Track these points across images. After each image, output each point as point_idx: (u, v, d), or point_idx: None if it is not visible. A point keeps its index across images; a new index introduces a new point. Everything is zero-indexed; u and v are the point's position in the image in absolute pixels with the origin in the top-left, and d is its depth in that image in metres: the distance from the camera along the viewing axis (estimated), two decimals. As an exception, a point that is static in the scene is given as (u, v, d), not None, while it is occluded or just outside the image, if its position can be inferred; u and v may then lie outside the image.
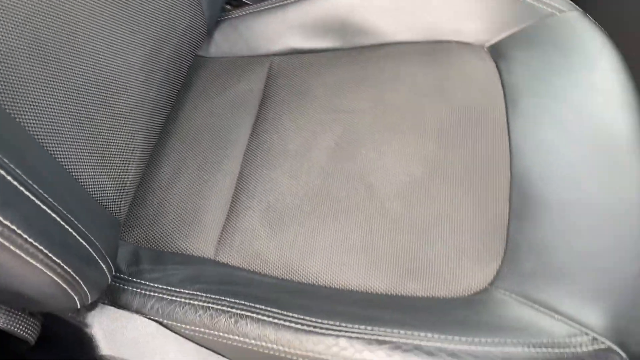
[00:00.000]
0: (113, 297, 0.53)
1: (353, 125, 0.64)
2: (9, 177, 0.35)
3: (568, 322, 0.46)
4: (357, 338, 0.45)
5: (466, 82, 0.65)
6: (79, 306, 0.45)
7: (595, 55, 0.63)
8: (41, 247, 0.35)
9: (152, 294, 0.52)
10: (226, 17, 0.77)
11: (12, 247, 0.34)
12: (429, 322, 0.46)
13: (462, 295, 0.51)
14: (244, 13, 0.76)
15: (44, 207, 0.37)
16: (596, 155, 0.56)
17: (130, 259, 0.57)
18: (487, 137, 0.60)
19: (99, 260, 0.44)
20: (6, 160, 0.36)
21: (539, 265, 0.51)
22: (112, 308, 0.52)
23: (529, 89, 0.63)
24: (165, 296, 0.52)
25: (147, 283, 0.53)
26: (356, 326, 0.46)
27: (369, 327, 0.45)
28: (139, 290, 0.53)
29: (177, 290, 0.52)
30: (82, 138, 0.48)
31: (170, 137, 0.68)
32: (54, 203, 0.38)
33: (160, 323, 0.52)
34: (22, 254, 0.35)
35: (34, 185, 0.37)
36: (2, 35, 0.41)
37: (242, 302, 0.49)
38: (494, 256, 0.53)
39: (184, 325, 0.50)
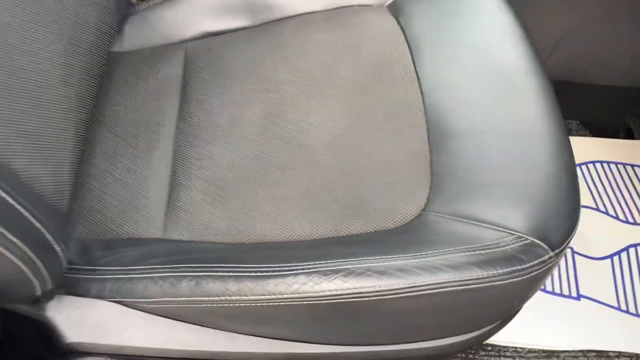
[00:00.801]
0: (69, 287, 0.53)
1: (276, 93, 0.67)
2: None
3: (495, 228, 0.52)
4: (314, 272, 0.48)
5: (372, 39, 0.70)
6: (39, 292, 0.45)
7: (482, 0, 0.70)
8: None
9: (108, 276, 0.53)
10: (135, 11, 0.77)
11: None
12: (376, 248, 0.50)
13: (401, 224, 0.56)
14: (152, 4, 0.77)
15: None
16: (495, 85, 0.62)
17: (80, 251, 0.57)
18: (399, 84, 0.65)
19: (53, 243, 0.44)
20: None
21: (461, 187, 0.56)
22: (70, 297, 0.52)
23: (429, 37, 0.69)
24: (121, 276, 0.53)
25: (101, 267, 0.54)
26: (311, 263, 0.49)
27: (323, 261, 0.49)
28: (94, 276, 0.53)
29: (133, 268, 0.53)
30: (13, 130, 0.48)
31: (100, 128, 0.68)
32: (2, 184, 0.38)
33: (122, 303, 0.53)
34: None
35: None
36: None
37: (200, 265, 0.51)
38: (423, 186, 0.57)
39: (146, 300, 0.51)
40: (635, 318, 0.84)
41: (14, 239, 0.38)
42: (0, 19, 0.51)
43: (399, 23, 0.71)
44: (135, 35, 0.77)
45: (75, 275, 0.53)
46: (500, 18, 0.68)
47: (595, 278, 0.88)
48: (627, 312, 0.84)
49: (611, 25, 0.96)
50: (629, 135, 1.07)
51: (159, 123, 0.68)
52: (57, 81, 0.57)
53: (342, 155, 0.61)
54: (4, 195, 0.38)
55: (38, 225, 0.42)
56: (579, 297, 0.86)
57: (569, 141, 0.59)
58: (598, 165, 1.00)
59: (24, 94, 0.51)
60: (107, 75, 0.73)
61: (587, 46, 0.99)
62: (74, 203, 0.62)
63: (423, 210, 0.56)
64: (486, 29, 0.68)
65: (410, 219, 0.56)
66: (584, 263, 0.90)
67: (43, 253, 0.42)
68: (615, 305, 0.85)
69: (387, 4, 0.73)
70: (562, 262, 0.91)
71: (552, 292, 0.87)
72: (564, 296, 0.86)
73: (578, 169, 1.00)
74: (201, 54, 0.74)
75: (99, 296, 0.52)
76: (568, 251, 0.91)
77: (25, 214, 0.40)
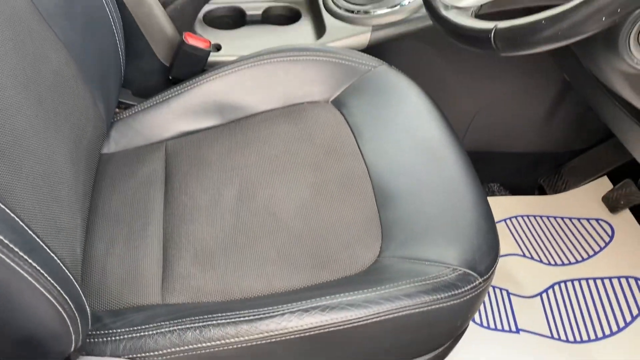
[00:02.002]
0: (88, 350, 0.61)
1: (247, 176, 0.80)
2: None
3: (435, 263, 0.65)
4: (297, 310, 0.59)
5: (322, 127, 0.86)
6: (72, 348, 0.53)
7: (404, 91, 0.87)
8: (48, 277, 0.46)
9: (121, 337, 0.62)
10: (119, 118, 0.90)
11: (27, 276, 0.44)
12: (345, 288, 0.62)
13: (362, 270, 0.68)
14: (134, 112, 0.90)
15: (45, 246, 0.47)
16: (422, 155, 0.78)
17: (92, 320, 0.65)
18: (347, 160, 0.80)
19: (85, 302, 0.54)
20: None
21: (406, 235, 0.70)
22: (89, 357, 0.60)
23: (367, 123, 0.85)
24: (133, 335, 0.61)
25: (114, 330, 0.62)
26: (294, 303, 0.60)
27: (303, 301, 0.60)
28: (108, 339, 0.62)
29: (142, 327, 0.62)
30: (41, 218, 0.58)
31: (96, 218, 0.78)
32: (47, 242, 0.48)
33: (134, 359, 0.61)
34: (35, 283, 0.45)
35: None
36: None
37: (201, 317, 0.61)
38: (376, 237, 0.71)
39: (156, 352, 0.60)
40: (568, 344, 0.97)
41: (64, 294, 0.47)
42: (21, 125, 0.62)
43: (342, 114, 0.87)
44: (120, 139, 0.89)
45: (91, 340, 0.62)
46: (421, 105, 0.86)
47: (530, 313, 1.01)
48: (560, 339, 0.98)
49: (512, 104, 1.17)
50: (542, 191, 1.26)
51: (148, 209, 0.79)
52: (68, 177, 0.68)
53: (308, 220, 0.73)
54: (51, 253, 0.48)
55: (74, 281, 0.52)
56: (518, 331, 0.99)
57: (484, 194, 0.74)
58: (520, 218, 1.17)
59: (48, 189, 0.62)
60: (98, 174, 0.85)
61: (496, 121, 1.19)
62: (82, 281, 0.71)
63: (378, 256, 0.69)
64: (411, 113, 0.85)
65: (370, 264, 0.68)
66: (519, 301, 1.03)
67: (79, 309, 0.52)
68: (549, 335, 0.98)
69: (331, 99, 0.90)
70: (500, 302, 1.04)
71: (495, 329, 0.99)
72: (505, 331, 0.99)
73: (503, 223, 1.17)
74: (180, 150, 0.87)
75: (114, 355, 0.61)
76: (504, 292, 1.05)
77: (66, 270, 0.50)
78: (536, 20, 0.48)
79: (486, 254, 0.67)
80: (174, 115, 0.90)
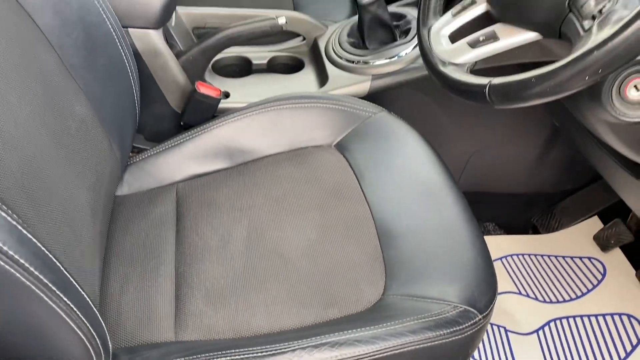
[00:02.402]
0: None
1: (256, 217, 0.84)
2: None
3: (437, 301, 0.69)
4: (307, 346, 0.62)
5: (326, 170, 0.90)
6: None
7: (403, 136, 0.92)
8: (80, 315, 0.49)
9: (137, 373, 0.64)
10: (132, 162, 0.94)
11: (62, 314, 0.47)
12: (352, 325, 0.65)
13: (368, 307, 0.71)
14: (146, 156, 0.94)
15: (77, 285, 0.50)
16: (421, 197, 0.83)
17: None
18: (352, 203, 0.84)
19: (108, 337, 0.56)
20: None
21: (409, 274, 0.73)
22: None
23: (369, 166, 0.89)
24: (149, 371, 0.64)
25: (131, 366, 0.65)
26: (304, 340, 0.63)
27: (313, 338, 0.63)
28: (125, 375, 0.64)
29: (158, 362, 0.64)
30: (68, 259, 0.61)
31: (111, 259, 0.81)
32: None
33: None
34: (69, 320, 0.48)
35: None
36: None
37: (215, 353, 0.63)
38: (380, 276, 0.74)
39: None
40: (565, 380, 1.00)
41: (92, 331, 0.50)
42: (48, 171, 0.66)
43: (345, 158, 0.92)
44: (134, 181, 0.93)
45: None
46: (419, 149, 0.90)
47: (527, 350, 1.04)
48: (557, 376, 1.00)
49: (505, 147, 1.22)
50: (536, 230, 1.30)
51: (161, 249, 0.82)
52: (88, 219, 0.71)
53: (315, 260, 0.77)
54: (82, 293, 0.51)
55: (101, 320, 0.55)
56: (516, 367, 1.01)
57: (481, 233, 0.78)
58: (515, 257, 1.21)
59: (70, 233, 0.65)
60: (112, 215, 0.88)
61: (490, 163, 1.24)
62: (98, 319, 0.74)
63: (383, 294, 0.72)
64: (410, 157, 0.89)
65: (375, 302, 0.71)
66: (516, 338, 1.06)
67: (104, 346, 0.54)
68: (547, 371, 1.01)
69: (334, 144, 0.95)
70: (498, 339, 1.07)
71: (494, 365, 1.02)
72: (504, 367, 1.01)
73: (499, 262, 1.20)
74: (190, 192, 0.90)
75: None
76: (502, 329, 1.08)
77: (95, 310, 0.53)
78: (527, 78, 0.54)
79: (485, 292, 0.71)
80: (185, 158, 0.94)
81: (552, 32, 0.58)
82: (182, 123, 0.98)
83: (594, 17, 0.52)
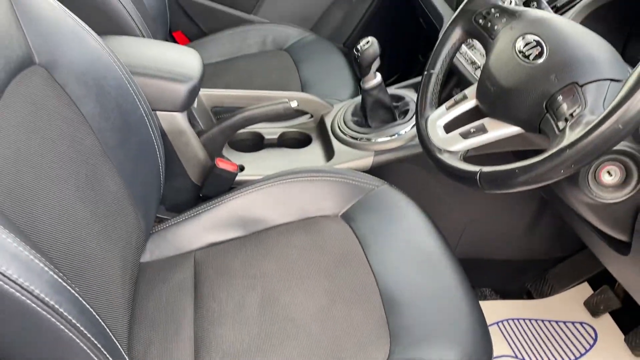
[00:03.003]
0: None
1: (268, 283, 0.90)
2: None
3: (438, 365, 0.75)
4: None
5: (333, 239, 0.97)
6: None
7: (403, 208, 1.00)
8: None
9: None
10: (154, 231, 1.02)
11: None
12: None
13: (373, 370, 0.77)
14: (167, 225, 1.02)
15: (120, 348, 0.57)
16: (422, 266, 0.90)
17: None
18: (357, 270, 0.91)
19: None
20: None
21: (411, 339, 0.80)
22: None
23: (373, 236, 0.97)
24: None
25: None
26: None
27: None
28: None
29: None
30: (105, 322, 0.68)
31: (134, 323, 0.87)
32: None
33: None
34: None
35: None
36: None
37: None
38: (386, 341, 0.80)
39: None
40: None
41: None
42: (86, 238, 0.73)
43: (350, 227, 1.00)
44: (155, 249, 1.00)
45: None
46: (419, 220, 0.98)
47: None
48: None
49: (498, 217, 1.30)
50: (530, 296, 1.36)
51: (180, 314, 0.88)
52: (118, 285, 0.78)
53: (324, 324, 0.83)
54: (125, 355, 0.57)
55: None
56: None
57: (477, 300, 0.85)
58: (510, 321, 1.27)
59: (104, 298, 0.72)
60: (136, 281, 0.95)
61: (484, 232, 1.31)
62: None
63: (388, 358, 0.78)
64: (410, 228, 0.97)
65: (380, 365, 0.77)
66: (514, 401, 1.10)
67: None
68: None
69: (340, 214, 1.02)
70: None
71: None
72: None
73: (495, 326, 1.25)
74: (207, 259, 0.97)
75: None
76: (500, 393, 1.12)
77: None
78: (512, 169, 0.62)
79: (481, 356, 0.77)
80: (203, 228, 1.01)
81: (532, 128, 0.67)
82: (201, 195, 1.06)
83: (566, 119, 0.61)
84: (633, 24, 0.74)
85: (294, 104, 1.07)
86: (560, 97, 0.64)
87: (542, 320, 1.26)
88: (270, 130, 1.24)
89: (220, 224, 1.02)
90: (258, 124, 1.24)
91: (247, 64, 1.50)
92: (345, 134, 1.17)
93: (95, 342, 0.51)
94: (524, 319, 1.27)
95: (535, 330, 1.24)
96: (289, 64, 1.50)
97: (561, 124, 0.62)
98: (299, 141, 1.24)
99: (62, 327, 0.50)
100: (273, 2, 1.73)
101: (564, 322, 1.24)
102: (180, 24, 1.71)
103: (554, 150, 0.58)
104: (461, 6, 0.83)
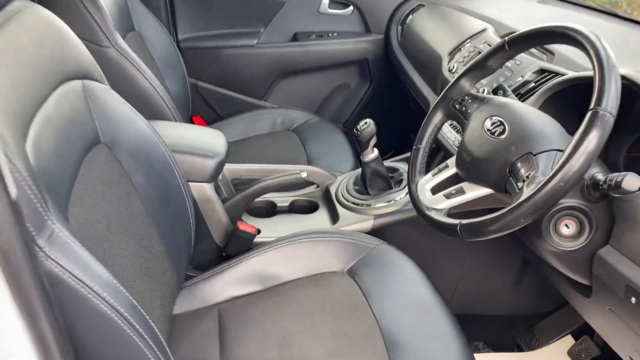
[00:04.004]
0: None
1: (285, 330, 1.03)
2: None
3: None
4: None
5: (340, 292, 1.10)
6: None
7: (401, 265, 1.14)
8: None
9: None
10: (183, 287, 1.15)
11: None
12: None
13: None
14: (194, 281, 1.15)
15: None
16: (419, 313, 1.03)
17: None
18: (362, 317, 1.04)
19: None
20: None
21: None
22: None
23: (375, 289, 1.10)
24: None
25: None
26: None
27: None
28: None
29: None
30: None
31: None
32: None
33: None
34: None
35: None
36: None
37: None
38: (388, 376, 0.92)
39: None
40: None
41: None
42: (141, 297, 0.87)
43: (355, 281, 1.13)
44: (184, 303, 1.13)
45: None
46: (415, 275, 1.12)
47: None
48: None
49: (486, 275, 1.44)
50: (520, 349, 1.46)
51: (207, 358, 1.00)
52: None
53: (335, 362, 0.95)
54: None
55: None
56: None
57: (469, 347, 0.97)
58: (503, 372, 1.37)
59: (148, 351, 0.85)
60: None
61: (475, 288, 1.44)
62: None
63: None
64: (407, 281, 1.11)
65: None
66: None
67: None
68: None
69: (346, 270, 1.16)
70: None
71: None
72: None
73: (490, 375, 1.35)
74: (230, 311, 1.10)
75: None
76: None
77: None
78: (484, 220, 0.78)
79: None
80: (226, 284, 1.15)
81: (500, 189, 0.84)
82: (224, 254, 1.20)
83: (524, 180, 0.78)
84: (580, 105, 0.91)
85: (304, 175, 1.24)
86: (519, 164, 0.81)
87: (532, 371, 1.36)
88: (282, 199, 1.40)
89: (241, 280, 1.15)
90: (271, 193, 1.40)
91: (260, 143, 1.69)
92: (348, 201, 1.33)
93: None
94: (515, 370, 1.37)
95: (525, 379, 1.34)
96: (297, 142, 1.70)
97: (520, 184, 0.78)
98: (308, 208, 1.40)
99: (134, 338, 0.64)
100: (281, 90, 1.96)
101: (551, 372, 1.35)
102: (200, 110, 1.93)
103: (515, 204, 0.74)
104: (441, 94, 1.02)
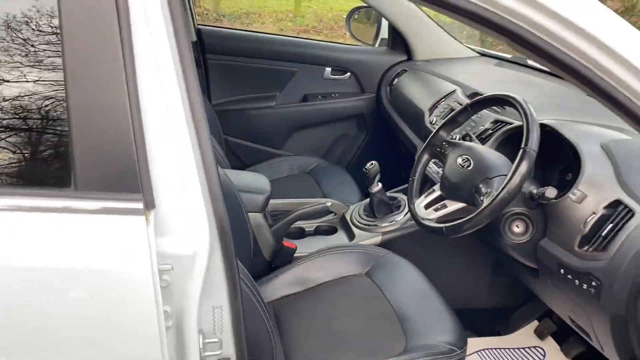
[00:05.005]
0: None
1: (326, 317, 1.41)
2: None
3: (437, 345, 1.25)
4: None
5: (362, 288, 1.49)
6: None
7: (404, 267, 1.54)
8: None
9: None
10: (244, 290, 1.53)
11: None
12: None
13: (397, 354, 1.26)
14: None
15: None
16: (422, 295, 1.42)
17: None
18: (380, 305, 1.42)
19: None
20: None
21: (419, 334, 1.30)
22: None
23: (389, 284, 1.49)
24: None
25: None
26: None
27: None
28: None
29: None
30: None
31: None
32: None
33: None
34: None
35: None
36: None
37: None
38: (402, 338, 1.30)
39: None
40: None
41: None
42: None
43: (372, 280, 1.52)
44: (246, 302, 1.51)
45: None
46: (415, 273, 1.51)
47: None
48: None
49: (469, 272, 1.83)
50: (499, 334, 1.85)
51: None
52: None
53: (360, 333, 1.33)
54: None
55: None
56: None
57: (460, 324, 1.36)
58: (486, 350, 1.75)
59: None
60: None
61: (462, 285, 1.84)
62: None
63: (405, 346, 1.27)
64: (410, 277, 1.50)
65: (401, 351, 1.27)
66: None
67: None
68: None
69: (364, 273, 1.55)
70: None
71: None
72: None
73: (476, 354, 1.73)
74: (282, 306, 1.48)
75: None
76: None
77: None
78: (461, 222, 1.19)
79: (460, 338, 1.27)
80: (277, 286, 1.53)
81: (470, 202, 1.25)
82: (272, 266, 1.59)
83: (484, 195, 1.20)
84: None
85: (329, 204, 1.65)
86: (480, 185, 1.23)
87: (507, 349, 1.74)
88: (309, 225, 1.80)
89: (287, 283, 1.54)
90: (299, 222, 1.80)
91: (284, 184, 2.10)
92: (360, 223, 1.74)
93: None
94: (495, 349, 1.75)
95: (503, 355, 1.72)
96: (312, 182, 2.11)
97: (482, 198, 1.20)
98: (328, 231, 1.81)
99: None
100: (295, 140, 2.39)
101: (522, 348, 1.73)
102: (228, 159, 2.34)
103: (479, 210, 1.16)
104: (427, 141, 1.45)
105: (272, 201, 1.78)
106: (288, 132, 2.39)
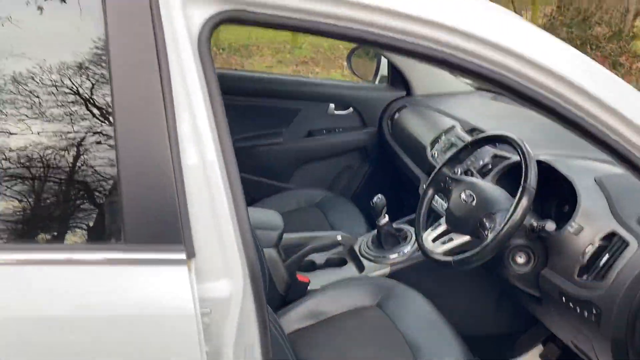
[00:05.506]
0: None
1: (340, 349, 1.47)
2: None
3: None
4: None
5: (372, 319, 1.56)
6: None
7: (412, 296, 1.61)
8: None
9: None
10: (260, 324, 1.59)
11: None
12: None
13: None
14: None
15: None
16: (431, 323, 1.48)
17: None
18: (392, 335, 1.48)
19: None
20: None
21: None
22: None
23: (398, 314, 1.56)
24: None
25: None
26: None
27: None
28: None
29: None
30: None
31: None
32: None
33: None
34: None
35: None
36: None
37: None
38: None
39: None
40: None
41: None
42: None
43: (382, 311, 1.58)
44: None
45: None
46: (423, 302, 1.58)
47: None
48: None
49: (474, 302, 1.90)
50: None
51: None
52: None
53: (379, 362, 1.39)
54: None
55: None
56: None
57: (468, 349, 1.43)
58: (494, 376, 1.80)
59: None
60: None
61: (468, 313, 1.90)
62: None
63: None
64: (418, 306, 1.57)
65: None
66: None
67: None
68: None
69: (375, 304, 1.61)
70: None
71: None
72: None
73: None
74: (298, 339, 1.54)
75: None
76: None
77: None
78: (468, 256, 1.26)
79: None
80: (291, 320, 1.59)
81: (474, 235, 1.33)
82: (286, 300, 1.66)
83: (488, 229, 1.27)
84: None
85: (339, 237, 1.73)
86: (484, 219, 1.30)
87: (516, 372, 1.80)
88: (319, 257, 1.87)
89: (301, 316, 1.60)
90: (311, 256, 1.87)
91: (292, 217, 2.17)
92: (369, 255, 1.81)
93: None
94: (503, 373, 1.81)
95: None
96: (320, 214, 2.19)
97: (486, 232, 1.28)
98: (338, 263, 1.87)
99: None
100: (301, 174, 2.48)
101: (529, 372, 1.79)
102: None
103: (483, 245, 1.24)
104: (431, 177, 1.53)
105: (286, 235, 1.85)
106: (294, 166, 2.47)
